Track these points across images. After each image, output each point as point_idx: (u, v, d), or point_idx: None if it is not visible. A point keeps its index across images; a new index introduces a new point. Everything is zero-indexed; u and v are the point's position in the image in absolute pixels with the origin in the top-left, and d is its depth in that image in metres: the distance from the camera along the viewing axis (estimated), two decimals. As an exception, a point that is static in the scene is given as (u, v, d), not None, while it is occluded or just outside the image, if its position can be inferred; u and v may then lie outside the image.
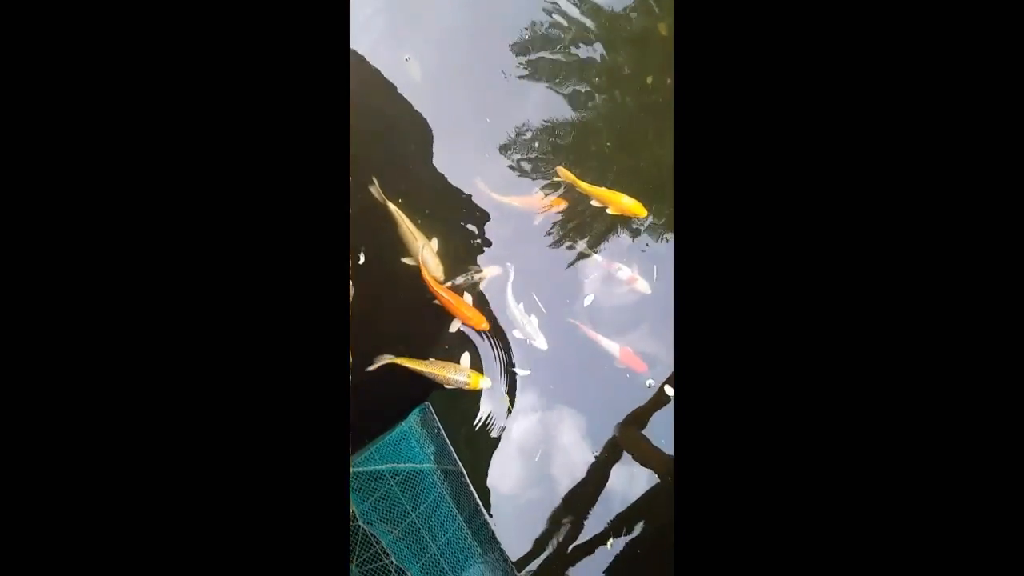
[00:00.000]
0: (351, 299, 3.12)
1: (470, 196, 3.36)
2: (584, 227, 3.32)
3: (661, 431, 3.12)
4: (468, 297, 3.19)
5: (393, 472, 2.83)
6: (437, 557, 2.80)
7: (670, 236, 3.30)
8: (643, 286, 3.18)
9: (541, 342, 3.13)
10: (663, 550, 3.03)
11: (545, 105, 3.47)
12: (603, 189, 3.22)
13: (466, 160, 3.42)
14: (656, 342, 3.21)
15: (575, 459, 3.12)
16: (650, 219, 3.30)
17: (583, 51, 3.57)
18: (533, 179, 3.40)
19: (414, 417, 2.95)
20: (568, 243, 3.32)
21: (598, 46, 3.57)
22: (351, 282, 3.15)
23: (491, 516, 3.00)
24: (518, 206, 3.32)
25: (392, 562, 2.67)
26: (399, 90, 3.47)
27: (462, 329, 3.19)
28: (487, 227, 3.34)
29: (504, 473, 3.12)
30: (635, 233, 3.32)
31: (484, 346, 3.20)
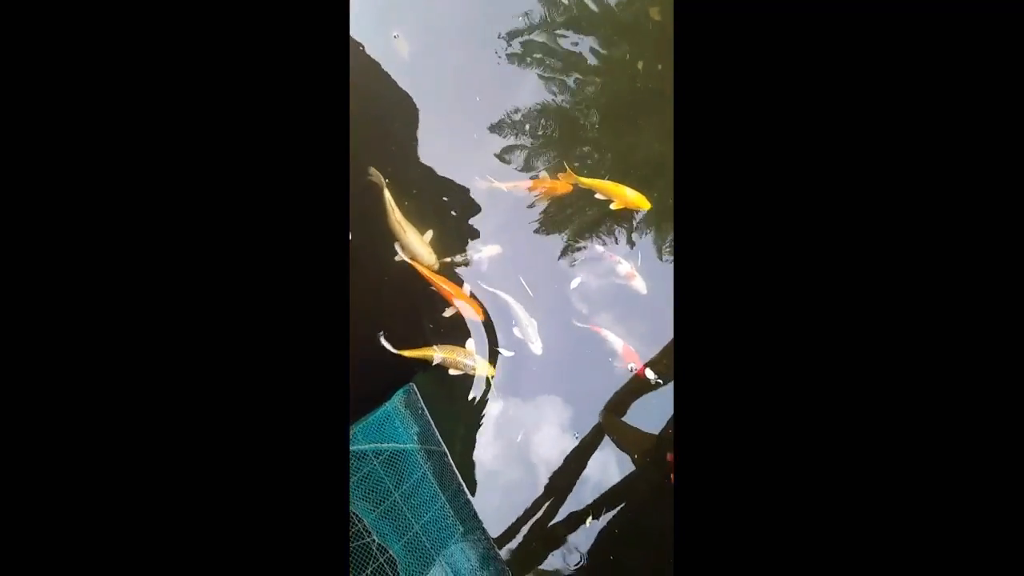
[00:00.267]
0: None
1: (455, 180, 3.33)
2: (576, 213, 3.32)
3: (642, 416, 3.17)
4: (467, 287, 3.18)
5: (376, 452, 2.85)
6: (419, 535, 2.83)
7: (660, 225, 3.31)
8: (640, 285, 3.19)
9: (537, 347, 3.14)
10: (640, 529, 3.10)
11: (534, 89, 3.45)
12: (607, 182, 3.21)
13: (455, 141, 3.40)
14: (642, 325, 3.24)
15: (556, 441, 3.16)
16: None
17: (573, 36, 3.54)
18: (521, 167, 3.39)
19: (398, 398, 2.96)
20: (558, 230, 3.32)
21: (589, 31, 3.54)
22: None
23: (473, 496, 3.04)
24: (507, 189, 3.31)
25: (374, 540, 2.70)
26: (385, 67, 3.42)
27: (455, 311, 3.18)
28: (475, 209, 3.33)
29: (486, 453, 3.16)
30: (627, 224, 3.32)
31: (472, 325, 3.21)
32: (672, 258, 3.31)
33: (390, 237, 3.16)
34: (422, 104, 3.35)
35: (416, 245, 3.13)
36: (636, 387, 3.18)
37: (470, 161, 3.34)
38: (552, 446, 3.17)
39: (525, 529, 3.08)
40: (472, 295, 3.19)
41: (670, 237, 3.32)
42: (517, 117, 3.42)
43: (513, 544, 3.06)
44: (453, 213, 3.30)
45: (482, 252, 3.22)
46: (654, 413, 3.18)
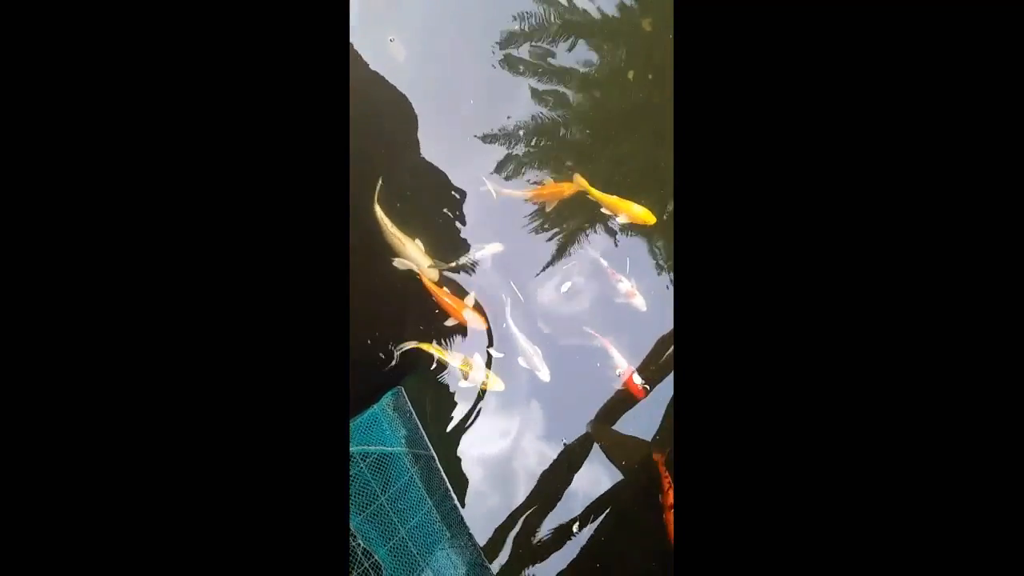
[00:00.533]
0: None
1: (450, 181, 3.34)
2: (566, 219, 3.33)
3: (632, 425, 3.17)
4: (471, 298, 3.17)
5: (363, 455, 2.81)
6: (405, 541, 2.80)
7: (652, 235, 3.32)
8: (640, 303, 3.19)
9: (545, 374, 3.12)
10: (627, 537, 3.09)
11: (527, 97, 3.47)
12: (614, 197, 3.23)
13: (449, 145, 3.40)
14: (631, 337, 3.25)
15: (545, 447, 3.14)
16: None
17: (566, 44, 3.57)
18: (511, 175, 3.39)
19: (386, 400, 2.93)
20: (550, 232, 3.32)
21: (582, 41, 3.58)
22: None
23: (460, 501, 3.01)
24: (522, 196, 3.29)
25: (359, 545, 2.66)
26: (382, 73, 3.43)
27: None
28: (468, 213, 3.33)
29: (474, 458, 3.13)
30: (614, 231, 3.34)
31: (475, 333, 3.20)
32: (663, 265, 3.33)
33: (389, 252, 3.15)
34: (417, 108, 3.37)
35: (418, 259, 3.12)
36: (625, 396, 3.17)
37: (465, 166, 3.35)
38: (540, 452, 3.15)
39: (511, 535, 3.06)
40: (477, 304, 3.18)
41: (660, 244, 3.34)
42: (510, 124, 3.43)
43: (499, 550, 3.03)
44: (454, 216, 3.30)
45: (484, 250, 3.21)
46: (643, 422, 3.18)
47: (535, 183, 3.32)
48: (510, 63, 3.47)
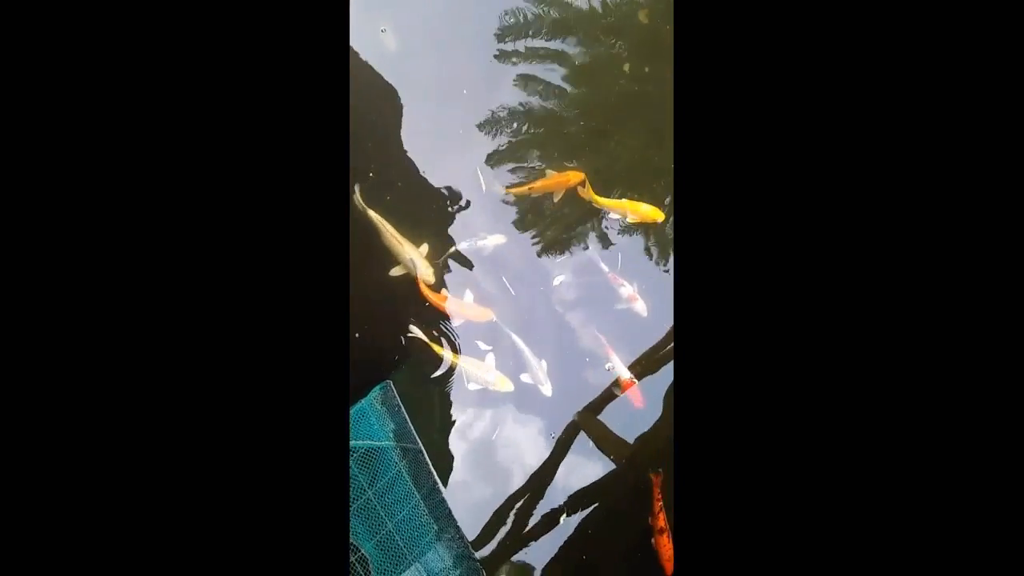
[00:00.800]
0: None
1: (440, 176, 3.32)
2: (567, 211, 3.31)
3: (618, 418, 3.17)
4: (470, 295, 3.16)
5: (351, 448, 2.82)
6: (392, 534, 2.81)
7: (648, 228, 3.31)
8: (641, 307, 3.16)
9: (547, 389, 3.09)
10: (613, 529, 3.10)
11: (521, 90, 3.43)
12: (622, 201, 3.21)
13: (441, 137, 3.37)
14: (620, 327, 3.25)
15: (533, 439, 3.15)
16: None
17: (560, 37, 3.53)
18: (509, 167, 3.37)
19: (374, 394, 2.93)
20: (541, 229, 3.31)
21: (577, 33, 3.54)
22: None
23: (447, 495, 3.02)
24: (530, 190, 3.26)
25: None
26: (372, 63, 3.39)
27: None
28: (461, 206, 3.31)
29: (462, 451, 3.14)
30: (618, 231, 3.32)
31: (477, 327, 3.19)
32: (660, 260, 3.31)
33: (386, 255, 3.13)
34: (407, 99, 3.33)
35: (415, 259, 3.10)
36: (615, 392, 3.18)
37: (457, 157, 3.33)
38: (528, 444, 3.16)
39: (499, 527, 3.08)
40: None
41: (654, 238, 3.33)
42: (503, 116, 3.40)
43: (487, 542, 3.05)
44: (451, 208, 3.28)
45: (487, 240, 3.20)
46: (631, 417, 3.19)
47: (524, 178, 3.29)
48: (505, 55, 3.43)
